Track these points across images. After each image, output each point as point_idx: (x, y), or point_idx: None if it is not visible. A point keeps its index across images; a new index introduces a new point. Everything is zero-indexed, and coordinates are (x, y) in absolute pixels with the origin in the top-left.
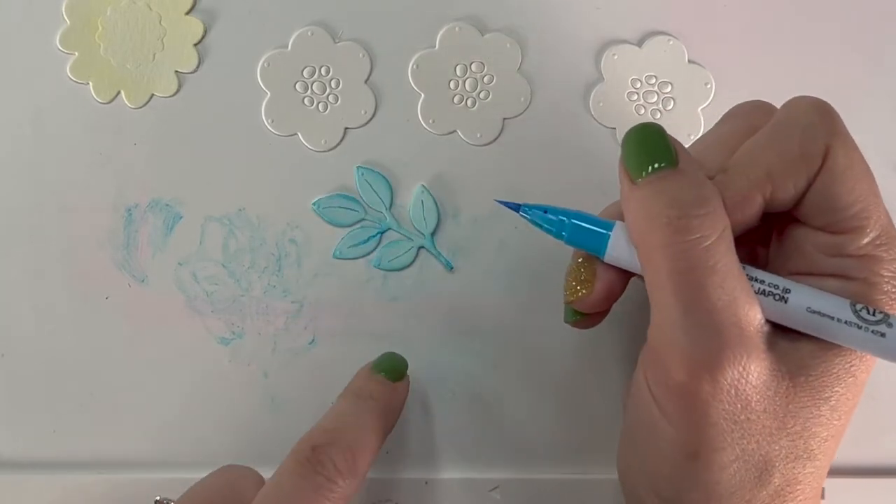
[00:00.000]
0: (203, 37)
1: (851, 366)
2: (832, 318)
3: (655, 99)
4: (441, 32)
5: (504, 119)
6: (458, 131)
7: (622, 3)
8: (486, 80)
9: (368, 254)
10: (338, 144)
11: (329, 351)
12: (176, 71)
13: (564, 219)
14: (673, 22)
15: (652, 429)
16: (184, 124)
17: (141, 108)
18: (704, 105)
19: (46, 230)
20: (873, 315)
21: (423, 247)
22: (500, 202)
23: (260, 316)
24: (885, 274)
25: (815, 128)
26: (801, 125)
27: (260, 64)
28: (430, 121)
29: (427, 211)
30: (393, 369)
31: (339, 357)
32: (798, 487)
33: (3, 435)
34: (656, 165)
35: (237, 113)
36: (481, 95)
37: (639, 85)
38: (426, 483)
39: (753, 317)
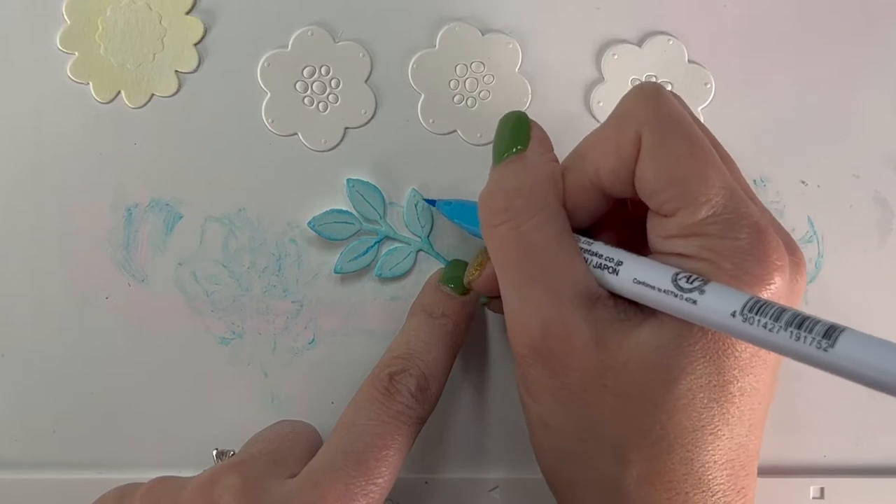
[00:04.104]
0: (203, 37)
1: (707, 349)
2: (653, 288)
3: None
4: (441, 32)
5: None
6: (458, 131)
7: (622, 3)
8: (486, 80)
9: (369, 265)
10: (338, 144)
11: (329, 351)
12: (176, 71)
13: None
14: (673, 22)
15: (522, 401)
16: (184, 124)
17: (141, 108)
18: (704, 105)
19: (46, 230)
20: (690, 283)
21: (421, 249)
22: (427, 201)
23: (260, 316)
24: (720, 251)
25: (630, 115)
26: (618, 114)
27: (260, 64)
28: (430, 121)
29: (421, 214)
30: (461, 281)
31: (339, 357)
32: (665, 478)
33: (3, 435)
34: (513, 151)
35: (237, 113)
36: (481, 95)
37: None
38: (426, 483)
39: (570, 286)
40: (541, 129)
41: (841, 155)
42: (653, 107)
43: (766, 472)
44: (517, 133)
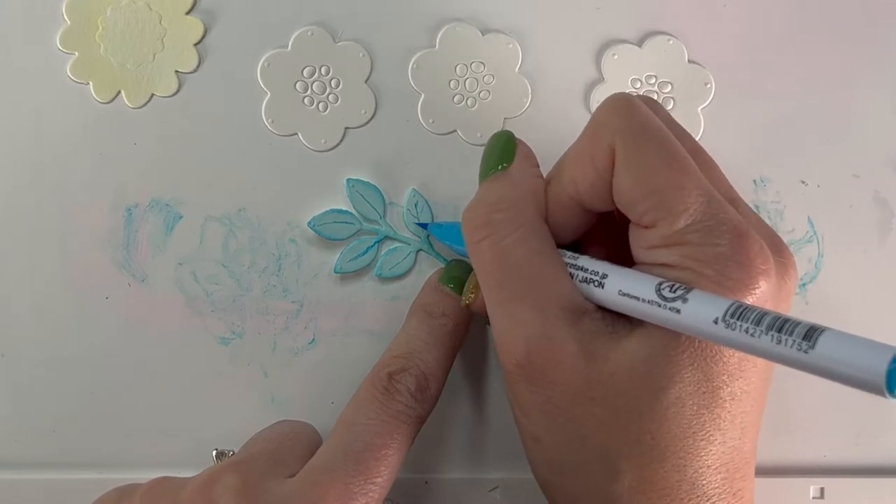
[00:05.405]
0: (203, 37)
1: (694, 356)
2: (638, 299)
3: (655, 98)
4: (441, 32)
5: (504, 119)
6: (458, 131)
7: (622, 3)
8: (486, 80)
9: (369, 264)
10: (338, 144)
11: (329, 351)
12: (176, 71)
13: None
14: (673, 22)
15: (514, 416)
16: (184, 124)
17: (141, 108)
18: (704, 105)
19: (46, 230)
20: (673, 292)
21: (421, 249)
22: (420, 224)
23: (260, 316)
24: (701, 258)
25: (603, 127)
26: (591, 127)
27: (260, 64)
28: (430, 121)
29: (421, 213)
30: (461, 281)
31: (339, 357)
32: (658, 486)
33: (3, 435)
34: (498, 168)
35: (237, 113)
36: (481, 95)
37: (639, 85)
38: (426, 483)
39: (555, 301)
40: (527, 146)
41: (841, 155)
42: (625, 117)
43: (766, 472)
44: (504, 151)
